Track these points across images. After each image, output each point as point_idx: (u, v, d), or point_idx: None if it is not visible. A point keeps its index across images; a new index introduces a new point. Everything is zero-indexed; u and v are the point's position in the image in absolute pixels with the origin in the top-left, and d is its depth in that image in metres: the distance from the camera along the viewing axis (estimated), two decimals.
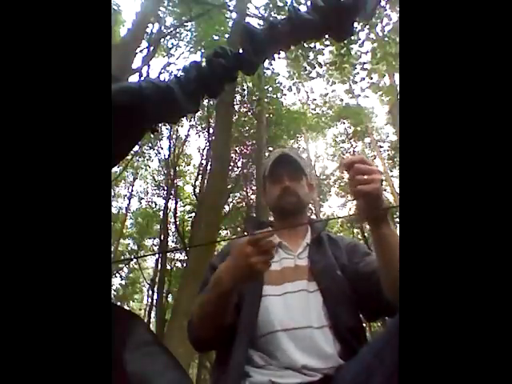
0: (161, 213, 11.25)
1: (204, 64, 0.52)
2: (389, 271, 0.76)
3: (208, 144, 9.78)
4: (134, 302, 15.75)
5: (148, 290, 13.21)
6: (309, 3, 0.53)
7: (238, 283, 0.77)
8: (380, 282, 0.79)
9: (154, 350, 0.47)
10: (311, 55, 6.05)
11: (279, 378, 0.76)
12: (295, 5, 0.53)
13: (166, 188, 10.90)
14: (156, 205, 12.44)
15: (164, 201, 10.95)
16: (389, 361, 0.59)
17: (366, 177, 0.72)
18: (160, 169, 11.57)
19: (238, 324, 0.84)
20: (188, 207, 11.43)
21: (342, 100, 12.32)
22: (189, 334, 0.89)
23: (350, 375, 0.71)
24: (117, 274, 13.04)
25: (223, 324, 0.82)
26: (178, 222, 9.87)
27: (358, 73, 6.72)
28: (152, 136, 9.21)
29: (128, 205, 13.45)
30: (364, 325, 0.93)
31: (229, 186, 8.69)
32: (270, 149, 8.24)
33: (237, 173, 9.83)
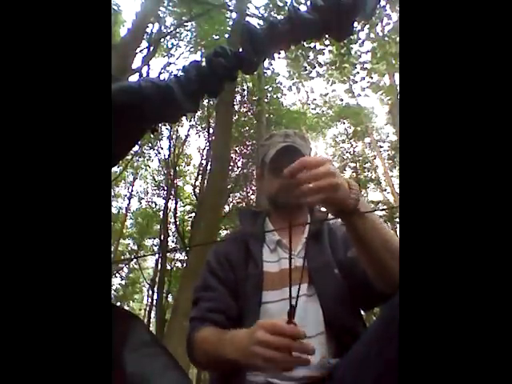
0: (161, 213, 11.27)
1: (204, 64, 0.52)
2: (370, 264, 0.74)
3: (208, 144, 9.81)
4: (134, 302, 15.75)
5: (148, 290, 13.23)
6: (309, 3, 0.53)
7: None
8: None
9: (154, 351, 0.47)
10: (311, 55, 6.06)
11: (275, 379, 0.76)
12: (295, 5, 0.52)
13: (166, 188, 10.91)
14: (156, 205, 12.49)
15: (164, 201, 10.97)
16: (378, 351, 0.59)
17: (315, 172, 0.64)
18: (160, 169, 11.58)
19: None
20: (188, 207, 11.44)
21: (342, 100, 12.34)
22: (189, 356, 0.86)
23: (342, 368, 0.71)
24: (117, 274, 13.06)
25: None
26: (178, 222, 9.88)
27: (358, 72, 6.73)
28: (152, 136, 9.21)
29: (128, 205, 13.49)
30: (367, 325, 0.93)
31: (229, 186, 8.69)
32: None
33: (237, 173, 9.83)
